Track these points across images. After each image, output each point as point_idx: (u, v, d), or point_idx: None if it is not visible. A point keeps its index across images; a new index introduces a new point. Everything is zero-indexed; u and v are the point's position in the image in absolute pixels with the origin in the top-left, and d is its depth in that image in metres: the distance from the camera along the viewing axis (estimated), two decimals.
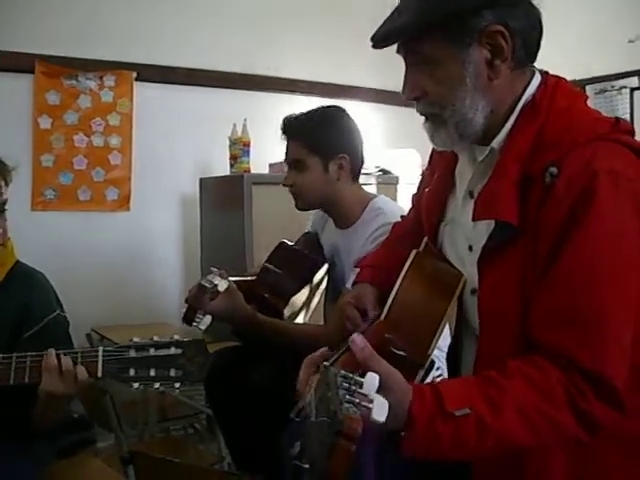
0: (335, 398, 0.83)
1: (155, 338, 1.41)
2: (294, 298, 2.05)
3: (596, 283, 1.04)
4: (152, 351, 1.39)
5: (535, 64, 1.21)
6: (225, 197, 3.36)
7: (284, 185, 2.04)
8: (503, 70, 1.14)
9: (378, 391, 0.89)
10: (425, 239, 1.40)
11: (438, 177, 1.37)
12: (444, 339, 1.33)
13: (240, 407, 1.93)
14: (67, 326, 1.66)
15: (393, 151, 3.78)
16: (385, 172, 3.64)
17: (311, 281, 2.13)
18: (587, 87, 3.63)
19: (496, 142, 1.18)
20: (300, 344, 1.75)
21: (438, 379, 1.30)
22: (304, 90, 3.87)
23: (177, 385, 1.40)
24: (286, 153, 2.04)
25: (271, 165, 3.50)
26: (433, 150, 1.43)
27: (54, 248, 3.19)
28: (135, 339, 1.41)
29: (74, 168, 3.31)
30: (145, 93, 3.43)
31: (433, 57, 1.15)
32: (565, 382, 1.02)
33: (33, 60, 3.14)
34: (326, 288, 2.20)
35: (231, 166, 3.45)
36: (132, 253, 3.47)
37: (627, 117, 3.54)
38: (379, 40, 1.18)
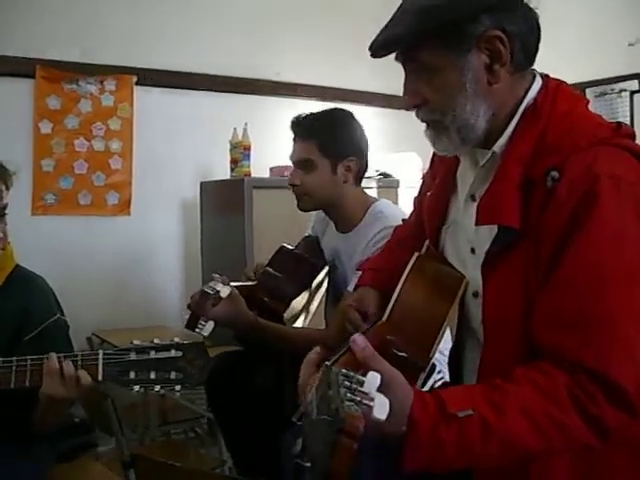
0: (336, 396, 0.83)
1: (155, 341, 1.42)
2: (294, 302, 2.05)
3: (598, 286, 1.04)
4: (152, 354, 1.39)
5: (535, 67, 1.21)
6: (226, 201, 3.36)
7: (290, 184, 2.04)
8: (502, 74, 1.14)
9: (379, 390, 0.89)
10: (427, 242, 1.40)
11: (440, 180, 1.37)
12: (445, 343, 1.33)
13: (242, 411, 1.93)
14: (67, 330, 1.66)
15: (394, 154, 3.78)
16: (386, 176, 3.64)
17: (311, 285, 2.13)
18: (587, 90, 3.64)
19: (497, 146, 1.18)
20: (302, 348, 1.75)
21: (439, 382, 1.30)
22: (305, 94, 3.88)
23: (177, 388, 1.40)
24: (294, 152, 2.04)
25: (272, 169, 3.50)
26: (434, 153, 1.43)
27: (55, 252, 3.19)
28: (135, 342, 1.41)
29: (75, 172, 3.31)
30: (146, 97, 3.43)
31: (432, 65, 1.15)
32: (572, 386, 1.00)
33: (34, 65, 3.15)
34: (327, 291, 2.20)
35: (232, 170, 3.46)
36: (133, 257, 3.47)
37: (627, 120, 3.55)
38: (377, 49, 1.18)
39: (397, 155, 3.78)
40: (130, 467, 1.76)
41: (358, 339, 1.00)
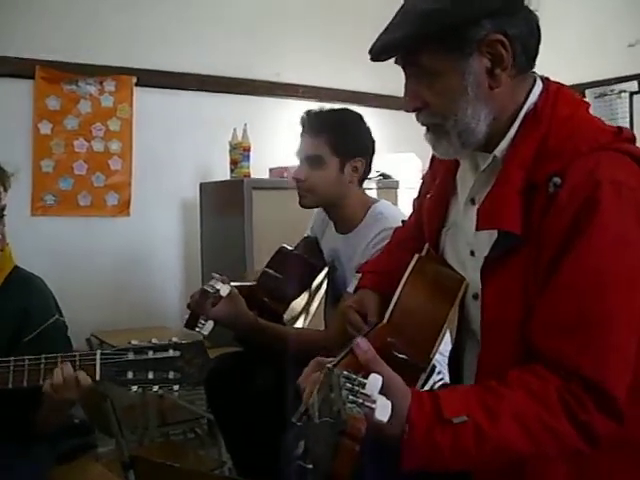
0: (338, 399, 0.83)
1: (154, 341, 1.41)
2: (294, 302, 2.05)
3: (598, 292, 1.04)
4: (150, 354, 1.39)
5: (535, 68, 1.21)
6: (225, 202, 3.36)
7: (294, 178, 2.03)
8: (504, 78, 1.14)
9: (381, 393, 0.89)
10: (427, 244, 1.40)
11: (439, 182, 1.37)
12: (445, 344, 1.33)
13: (241, 412, 1.93)
14: (66, 331, 1.66)
15: (393, 155, 3.78)
16: (385, 176, 3.64)
17: (310, 286, 2.13)
18: (586, 91, 3.64)
19: (499, 150, 1.18)
20: (302, 349, 1.75)
21: (439, 383, 1.30)
22: (304, 95, 3.88)
23: (176, 387, 1.40)
24: (301, 148, 2.02)
25: (271, 170, 3.50)
26: (433, 155, 1.43)
27: (54, 253, 3.19)
28: (133, 342, 1.41)
29: (74, 173, 3.31)
30: (145, 98, 3.43)
31: (433, 69, 1.14)
32: (564, 392, 1.01)
33: (33, 65, 3.14)
34: (326, 292, 2.20)
35: (231, 171, 3.45)
36: (132, 258, 3.47)
37: (626, 121, 3.55)
38: (377, 53, 1.17)
39: (396, 156, 3.78)
40: (130, 468, 1.76)
41: (361, 342, 1.00)
